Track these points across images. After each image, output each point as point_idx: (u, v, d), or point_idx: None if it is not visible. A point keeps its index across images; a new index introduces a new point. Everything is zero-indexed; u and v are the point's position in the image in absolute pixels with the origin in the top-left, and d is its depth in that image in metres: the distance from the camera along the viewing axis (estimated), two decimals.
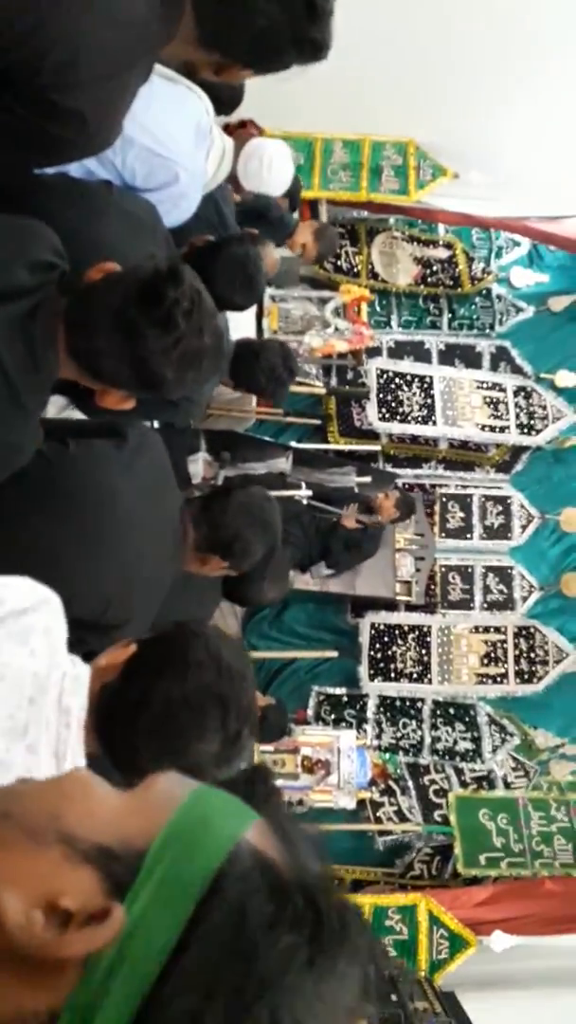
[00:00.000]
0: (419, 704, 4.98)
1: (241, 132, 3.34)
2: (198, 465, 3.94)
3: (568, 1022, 3.58)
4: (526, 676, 5.11)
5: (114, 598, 1.68)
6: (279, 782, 4.23)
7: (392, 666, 4.98)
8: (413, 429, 5.19)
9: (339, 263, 5.29)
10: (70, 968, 0.45)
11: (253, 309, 4.86)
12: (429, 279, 5.43)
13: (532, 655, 5.13)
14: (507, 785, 4.82)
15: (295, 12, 1.19)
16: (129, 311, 1.24)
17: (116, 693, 1.18)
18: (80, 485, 1.63)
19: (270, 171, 2.66)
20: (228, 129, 3.13)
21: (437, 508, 5.29)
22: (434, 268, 5.43)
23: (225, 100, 2.96)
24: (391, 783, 4.69)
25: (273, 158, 2.72)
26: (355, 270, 5.30)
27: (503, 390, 5.35)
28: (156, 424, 3.37)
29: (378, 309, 5.39)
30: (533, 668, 5.13)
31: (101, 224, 1.87)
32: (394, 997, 3.25)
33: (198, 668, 1.17)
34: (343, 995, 0.48)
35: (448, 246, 5.47)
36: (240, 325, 4.23)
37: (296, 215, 4.70)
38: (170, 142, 2.24)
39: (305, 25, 1.20)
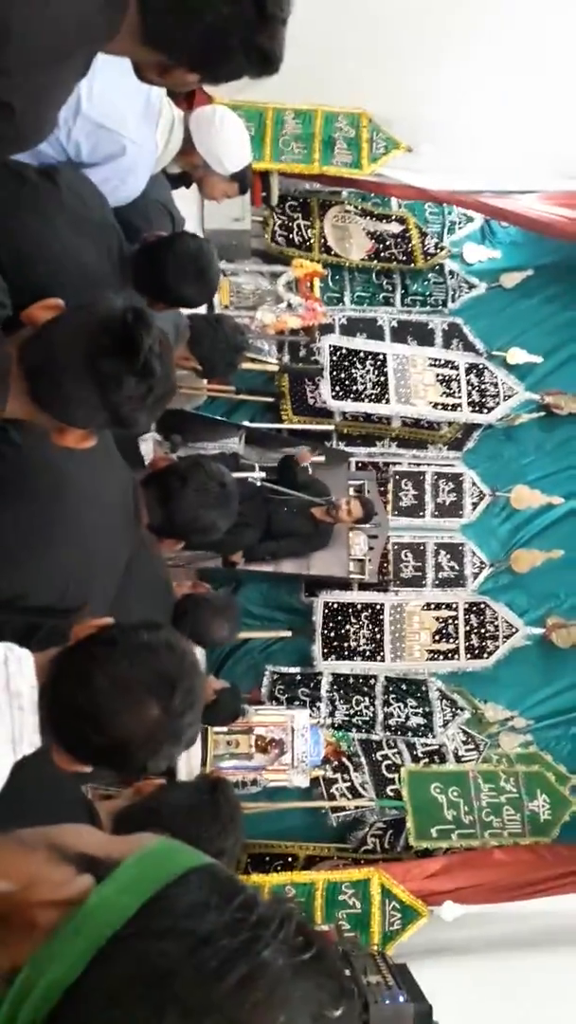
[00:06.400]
0: (372, 681, 5.02)
1: (191, 102, 3.23)
2: (148, 445, 3.87)
3: (512, 983, 3.70)
4: (477, 651, 5.19)
5: (72, 582, 1.66)
6: (232, 763, 4.24)
7: (345, 644, 5.00)
8: (366, 407, 5.16)
9: (291, 236, 5.19)
10: (39, 933, 0.53)
11: None
12: (382, 254, 5.36)
13: (483, 631, 5.20)
14: (458, 759, 4.91)
15: (244, 14, 1.13)
16: (105, 361, 1.21)
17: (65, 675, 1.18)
18: (30, 474, 1.58)
19: (223, 126, 2.59)
20: (176, 100, 3.02)
21: (390, 486, 5.29)
22: (387, 243, 5.36)
23: None
24: (344, 760, 4.74)
25: (225, 117, 2.65)
26: (307, 244, 5.21)
27: (455, 367, 5.34)
28: None
29: (331, 284, 5.32)
30: (483, 643, 5.20)
31: (49, 228, 1.82)
32: (348, 972, 3.31)
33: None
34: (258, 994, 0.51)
35: (401, 221, 5.41)
36: None
37: (248, 196, 4.57)
38: (116, 114, 2.16)
39: (254, 29, 1.14)
